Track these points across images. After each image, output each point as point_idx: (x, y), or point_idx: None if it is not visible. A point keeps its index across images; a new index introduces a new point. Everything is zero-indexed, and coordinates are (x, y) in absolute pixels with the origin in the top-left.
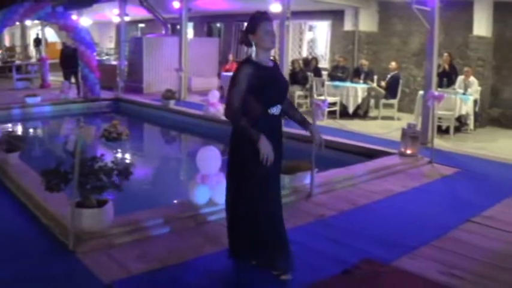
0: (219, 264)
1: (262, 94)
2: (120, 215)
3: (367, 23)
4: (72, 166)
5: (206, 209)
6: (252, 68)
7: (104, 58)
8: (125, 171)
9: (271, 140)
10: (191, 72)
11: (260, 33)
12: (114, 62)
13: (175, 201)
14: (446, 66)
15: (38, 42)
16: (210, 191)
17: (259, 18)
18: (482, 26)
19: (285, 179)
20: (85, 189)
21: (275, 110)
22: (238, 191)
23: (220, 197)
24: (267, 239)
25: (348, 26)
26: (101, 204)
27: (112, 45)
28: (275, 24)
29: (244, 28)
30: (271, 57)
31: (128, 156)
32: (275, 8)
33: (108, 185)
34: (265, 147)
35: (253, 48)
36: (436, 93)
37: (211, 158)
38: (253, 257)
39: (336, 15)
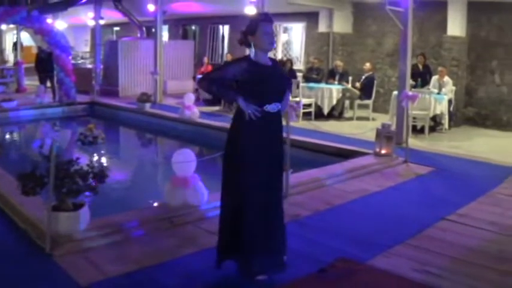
0: (196, 266)
1: (255, 89)
2: (97, 218)
3: (341, 24)
4: (48, 170)
5: (182, 211)
6: (246, 64)
7: (79, 62)
8: (100, 174)
9: (265, 137)
10: (166, 75)
11: (259, 34)
12: (89, 66)
13: (151, 204)
14: (420, 67)
15: (16, 46)
16: (186, 193)
17: (258, 20)
18: (456, 26)
19: None
20: (61, 193)
21: (271, 108)
22: (228, 184)
23: (196, 199)
24: (245, 237)
25: (322, 27)
26: (77, 207)
27: (87, 48)
28: None
29: (244, 29)
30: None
31: (103, 159)
32: (249, 10)
33: (84, 188)
34: (247, 106)
35: (252, 49)
36: (410, 93)
37: (186, 161)
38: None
39: (310, 17)
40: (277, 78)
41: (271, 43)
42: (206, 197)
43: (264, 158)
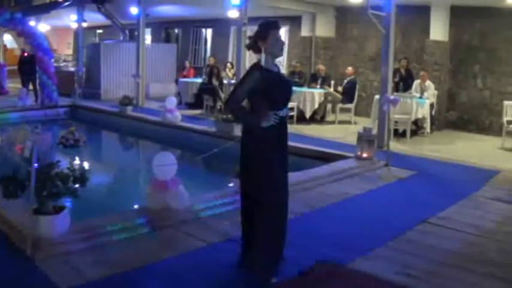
0: (176, 269)
1: (270, 97)
2: (77, 221)
3: (324, 28)
4: (29, 173)
5: (163, 214)
6: (259, 73)
7: (61, 64)
8: (81, 177)
9: (280, 142)
10: (149, 79)
11: (271, 40)
12: (72, 69)
13: (131, 207)
14: (403, 71)
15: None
16: (166, 197)
17: (271, 25)
18: (439, 30)
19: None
20: (42, 196)
21: (283, 113)
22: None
23: (176, 202)
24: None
25: (305, 31)
26: (58, 210)
27: (70, 51)
28: (232, 30)
29: (254, 34)
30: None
31: (85, 162)
32: (233, 14)
33: (65, 191)
34: (268, 121)
35: (263, 55)
36: (392, 97)
37: (167, 164)
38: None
39: (293, 21)
40: (285, 84)
41: (282, 49)
42: (187, 200)
43: (281, 162)
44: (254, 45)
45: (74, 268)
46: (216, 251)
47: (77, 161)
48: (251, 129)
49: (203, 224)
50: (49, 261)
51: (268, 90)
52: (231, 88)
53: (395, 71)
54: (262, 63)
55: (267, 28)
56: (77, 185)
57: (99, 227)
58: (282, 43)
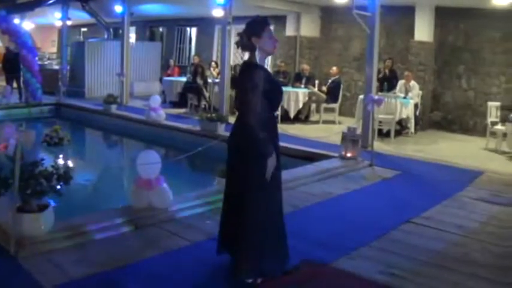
0: (160, 268)
1: (273, 97)
2: (61, 220)
3: (309, 28)
4: (12, 171)
5: (146, 213)
6: (263, 72)
7: (46, 63)
8: (64, 175)
9: (274, 141)
10: (133, 77)
11: (266, 36)
12: (56, 67)
13: (115, 206)
14: (387, 71)
15: None
16: (150, 195)
17: (264, 22)
18: (423, 31)
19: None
20: (25, 194)
21: (276, 112)
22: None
23: (160, 201)
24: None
25: (289, 31)
26: (42, 208)
27: (54, 49)
28: (217, 29)
29: (247, 31)
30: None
31: (69, 161)
32: (217, 13)
33: (48, 189)
34: (272, 165)
35: (256, 52)
36: (376, 97)
37: (151, 162)
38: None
39: (278, 21)
40: (278, 83)
41: (275, 46)
42: (171, 199)
43: (277, 161)
44: (248, 42)
45: (58, 266)
46: (199, 249)
47: (61, 159)
48: (251, 133)
49: (186, 222)
50: (32, 260)
51: (271, 90)
52: (216, 87)
53: (378, 72)
54: (257, 61)
55: (261, 24)
56: (60, 183)
57: (82, 225)
58: (276, 40)
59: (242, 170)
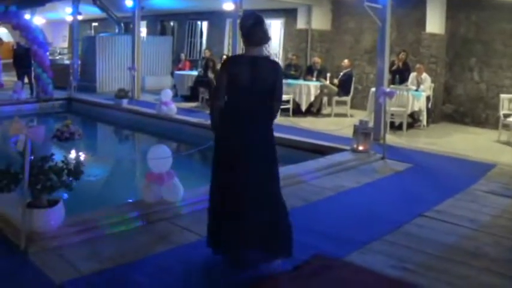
0: (171, 263)
1: None
2: (72, 215)
3: (320, 21)
4: (22, 166)
5: (157, 208)
6: None
7: (57, 57)
8: (75, 170)
9: None
10: (145, 71)
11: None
12: (67, 62)
13: (126, 200)
14: (400, 64)
15: None
16: (161, 190)
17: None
18: (435, 23)
19: None
20: (35, 190)
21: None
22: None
23: (171, 195)
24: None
25: (301, 24)
26: (52, 204)
27: (66, 44)
28: (228, 23)
29: (266, 27)
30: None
31: (80, 155)
32: (228, 6)
33: (59, 184)
34: None
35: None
36: (387, 89)
37: (162, 157)
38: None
39: (289, 14)
40: None
41: None
42: (182, 194)
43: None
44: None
45: (68, 262)
46: None
47: (72, 154)
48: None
49: (197, 217)
50: (43, 255)
51: None
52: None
53: (392, 63)
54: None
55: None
56: (70, 179)
57: (93, 220)
58: None
59: (267, 163)
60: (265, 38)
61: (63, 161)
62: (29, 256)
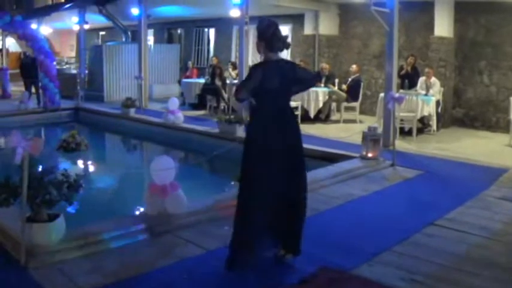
0: (174, 277)
1: None
2: (73, 229)
3: (327, 26)
4: (21, 179)
5: (161, 220)
6: None
7: (64, 67)
8: (74, 184)
9: None
10: (152, 80)
11: None
12: (74, 71)
13: (130, 213)
14: (409, 68)
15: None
16: (165, 202)
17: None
18: (443, 26)
19: None
20: (35, 203)
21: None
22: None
23: (175, 207)
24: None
25: (308, 29)
26: (52, 218)
27: (73, 53)
28: (234, 30)
29: (284, 34)
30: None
31: (85, 167)
32: (234, 13)
33: (58, 198)
34: None
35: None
36: (397, 95)
37: (165, 168)
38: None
39: (296, 19)
40: None
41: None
42: (186, 205)
43: None
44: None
45: (69, 277)
46: (215, 258)
47: (76, 166)
48: None
49: (202, 229)
50: (43, 270)
51: None
52: (233, 88)
53: (400, 68)
54: None
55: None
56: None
57: (95, 234)
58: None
59: (299, 160)
60: (287, 44)
61: (63, 174)
62: (29, 271)
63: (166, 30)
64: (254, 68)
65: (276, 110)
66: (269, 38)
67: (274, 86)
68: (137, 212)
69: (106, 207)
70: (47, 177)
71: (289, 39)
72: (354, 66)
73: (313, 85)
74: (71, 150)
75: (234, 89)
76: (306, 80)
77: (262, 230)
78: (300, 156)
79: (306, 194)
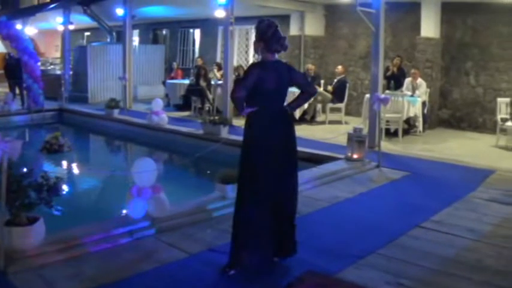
0: (156, 283)
1: None
2: (53, 232)
3: (313, 27)
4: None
5: (142, 224)
6: None
7: (49, 68)
8: (54, 187)
9: None
10: (137, 81)
11: None
12: (59, 72)
13: (114, 214)
14: (395, 69)
15: None
16: (147, 204)
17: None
18: (430, 27)
19: (226, 189)
20: (14, 207)
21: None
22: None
23: (157, 210)
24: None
25: (294, 30)
26: (32, 221)
27: (58, 54)
28: (220, 30)
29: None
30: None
31: (68, 169)
32: (219, 13)
33: (38, 201)
34: None
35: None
36: (382, 96)
37: (146, 170)
38: None
39: (281, 20)
40: None
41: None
42: (168, 208)
43: None
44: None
45: (49, 282)
46: (198, 262)
47: (60, 167)
48: None
49: (185, 233)
50: (22, 275)
51: None
52: (219, 89)
53: (386, 69)
54: None
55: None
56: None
57: (75, 238)
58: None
59: (295, 161)
60: (285, 46)
61: (42, 177)
62: (9, 276)
63: (151, 30)
64: (251, 67)
65: (274, 111)
66: (268, 39)
67: (271, 86)
68: (119, 215)
69: (87, 210)
70: (26, 180)
71: (287, 42)
72: (340, 67)
73: (315, 93)
74: (54, 151)
75: (219, 91)
76: (301, 85)
77: (263, 230)
78: (296, 157)
79: (297, 195)
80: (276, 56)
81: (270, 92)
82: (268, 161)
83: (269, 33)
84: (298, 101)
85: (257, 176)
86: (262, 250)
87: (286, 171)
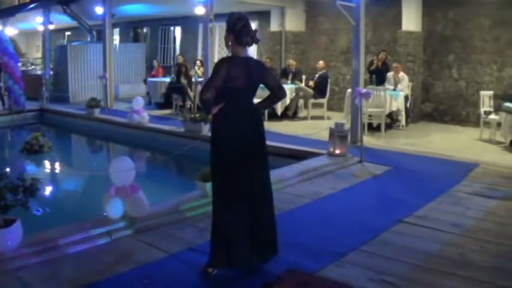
0: (135, 284)
1: None
2: (30, 234)
3: (294, 22)
4: None
5: (121, 223)
6: None
7: (30, 68)
8: (30, 188)
9: None
10: (118, 79)
11: None
12: (40, 72)
13: (92, 215)
14: (379, 64)
15: None
16: (125, 204)
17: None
18: (411, 21)
19: (206, 187)
20: None
21: None
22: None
23: (136, 210)
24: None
25: (274, 26)
26: (9, 223)
27: (39, 54)
28: (201, 28)
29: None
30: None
31: (47, 169)
32: (199, 10)
33: (14, 203)
34: None
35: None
36: (364, 90)
37: (124, 169)
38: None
39: (262, 16)
40: None
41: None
42: (147, 207)
43: None
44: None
45: (26, 285)
46: (177, 262)
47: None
48: None
49: (165, 232)
50: None
51: None
52: (199, 86)
53: (370, 63)
54: None
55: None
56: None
57: (53, 239)
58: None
59: (264, 158)
60: (256, 39)
61: (19, 178)
62: None
63: (131, 29)
64: (219, 64)
65: (242, 108)
66: (238, 31)
67: (240, 83)
68: (97, 216)
69: (66, 210)
70: (3, 181)
71: (258, 35)
72: (321, 62)
73: (284, 97)
74: (34, 152)
75: (200, 88)
76: (271, 87)
77: (238, 228)
78: (266, 155)
79: (271, 191)
80: (247, 50)
81: (239, 89)
82: (237, 160)
83: (239, 25)
84: (265, 102)
85: (228, 175)
86: (239, 249)
87: (257, 170)
